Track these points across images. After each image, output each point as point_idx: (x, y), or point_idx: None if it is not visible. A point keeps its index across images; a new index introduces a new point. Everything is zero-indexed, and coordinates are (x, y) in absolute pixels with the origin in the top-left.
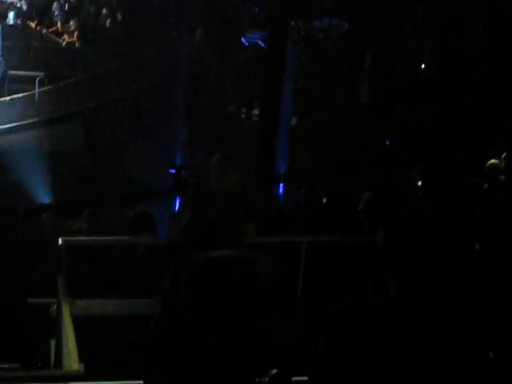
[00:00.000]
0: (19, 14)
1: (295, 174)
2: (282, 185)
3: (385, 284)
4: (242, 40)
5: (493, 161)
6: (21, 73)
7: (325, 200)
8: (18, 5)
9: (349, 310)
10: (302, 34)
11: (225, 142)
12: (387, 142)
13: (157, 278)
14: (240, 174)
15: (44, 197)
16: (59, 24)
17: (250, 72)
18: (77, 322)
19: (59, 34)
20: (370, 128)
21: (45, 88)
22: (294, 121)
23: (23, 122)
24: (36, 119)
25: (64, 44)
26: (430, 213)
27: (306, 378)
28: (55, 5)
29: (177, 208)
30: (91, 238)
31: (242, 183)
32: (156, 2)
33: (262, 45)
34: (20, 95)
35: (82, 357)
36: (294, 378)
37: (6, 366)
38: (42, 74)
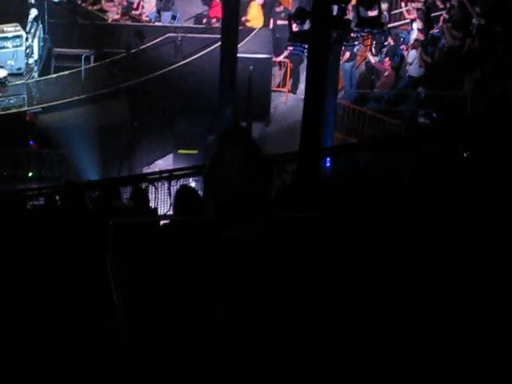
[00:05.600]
0: None
1: (342, 147)
2: (328, 159)
3: None
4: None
5: None
6: (66, 50)
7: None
8: None
9: None
10: (344, 44)
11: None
12: (434, 115)
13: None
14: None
15: (92, 173)
16: (103, 1)
17: None
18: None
19: (104, 11)
20: (417, 100)
21: (91, 65)
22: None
23: (69, 99)
24: (82, 96)
25: (109, 21)
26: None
27: None
28: None
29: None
30: (138, 217)
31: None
32: None
33: (305, 58)
34: (66, 72)
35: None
36: None
37: None
38: (88, 51)
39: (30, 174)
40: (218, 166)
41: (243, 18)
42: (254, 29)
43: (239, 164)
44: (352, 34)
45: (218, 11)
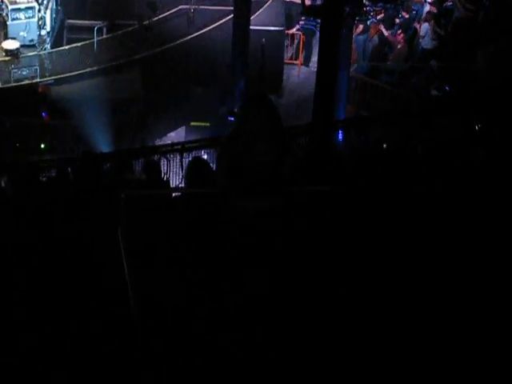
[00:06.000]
0: None
1: (354, 120)
2: (341, 132)
3: None
4: (297, 25)
5: None
6: (79, 22)
7: (385, 146)
8: None
9: None
10: (356, 19)
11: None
12: (447, 88)
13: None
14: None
15: (104, 145)
16: None
17: None
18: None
19: None
20: (430, 73)
21: (103, 37)
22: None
23: (82, 71)
24: (94, 68)
25: None
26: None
27: None
28: None
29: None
30: (150, 189)
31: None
32: None
33: (317, 31)
34: (78, 44)
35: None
36: None
37: None
38: (101, 23)
39: (43, 146)
40: (242, 133)
41: None
42: (267, 1)
43: (264, 133)
44: (365, 9)
45: None
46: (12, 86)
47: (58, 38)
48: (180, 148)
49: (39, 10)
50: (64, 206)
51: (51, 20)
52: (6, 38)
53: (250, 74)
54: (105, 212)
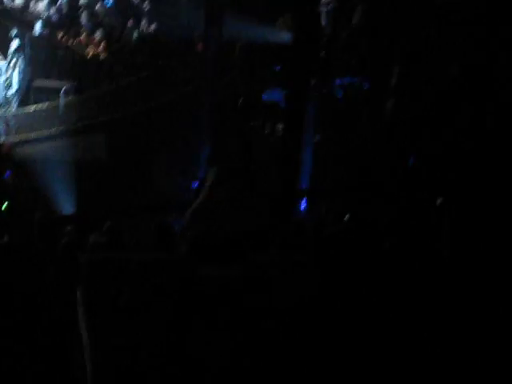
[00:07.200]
0: (46, 24)
1: (318, 190)
2: (304, 200)
3: None
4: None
5: None
6: (46, 83)
7: (347, 217)
8: (46, 15)
9: None
10: (323, 91)
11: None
12: (411, 161)
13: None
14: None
15: (66, 208)
16: (84, 35)
17: None
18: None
19: (85, 45)
20: (395, 146)
21: (69, 99)
22: (317, 137)
23: (46, 132)
24: (60, 129)
25: (89, 55)
26: None
27: None
28: (84, 15)
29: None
30: (111, 253)
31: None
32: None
33: (282, 104)
34: (44, 105)
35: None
36: None
37: None
38: (68, 84)
39: (5, 205)
40: (211, 200)
41: None
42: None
43: (236, 201)
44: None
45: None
46: None
47: (24, 98)
48: (144, 211)
49: (6, 70)
50: (23, 269)
51: (18, 80)
52: None
53: (217, 141)
54: (63, 275)
